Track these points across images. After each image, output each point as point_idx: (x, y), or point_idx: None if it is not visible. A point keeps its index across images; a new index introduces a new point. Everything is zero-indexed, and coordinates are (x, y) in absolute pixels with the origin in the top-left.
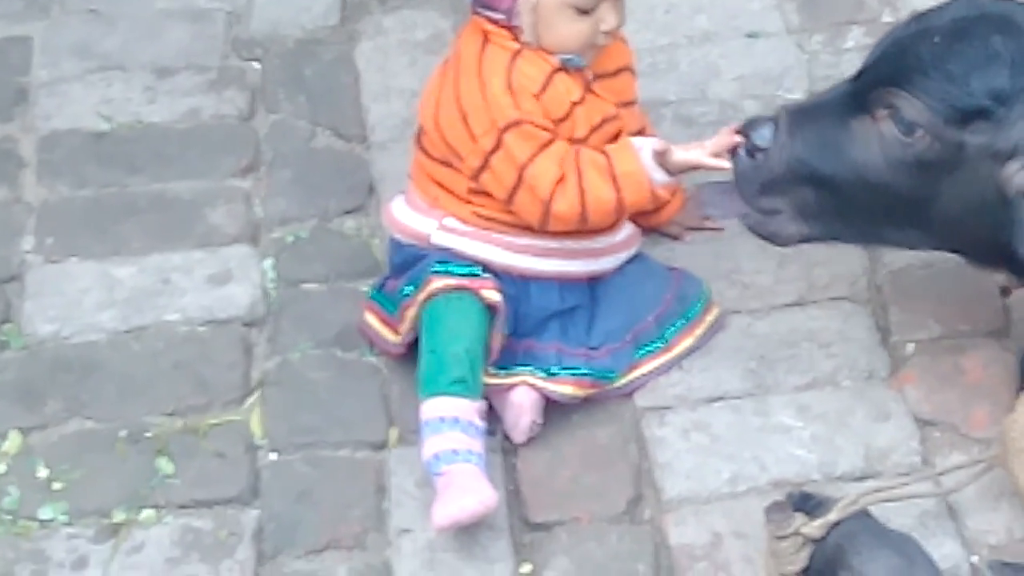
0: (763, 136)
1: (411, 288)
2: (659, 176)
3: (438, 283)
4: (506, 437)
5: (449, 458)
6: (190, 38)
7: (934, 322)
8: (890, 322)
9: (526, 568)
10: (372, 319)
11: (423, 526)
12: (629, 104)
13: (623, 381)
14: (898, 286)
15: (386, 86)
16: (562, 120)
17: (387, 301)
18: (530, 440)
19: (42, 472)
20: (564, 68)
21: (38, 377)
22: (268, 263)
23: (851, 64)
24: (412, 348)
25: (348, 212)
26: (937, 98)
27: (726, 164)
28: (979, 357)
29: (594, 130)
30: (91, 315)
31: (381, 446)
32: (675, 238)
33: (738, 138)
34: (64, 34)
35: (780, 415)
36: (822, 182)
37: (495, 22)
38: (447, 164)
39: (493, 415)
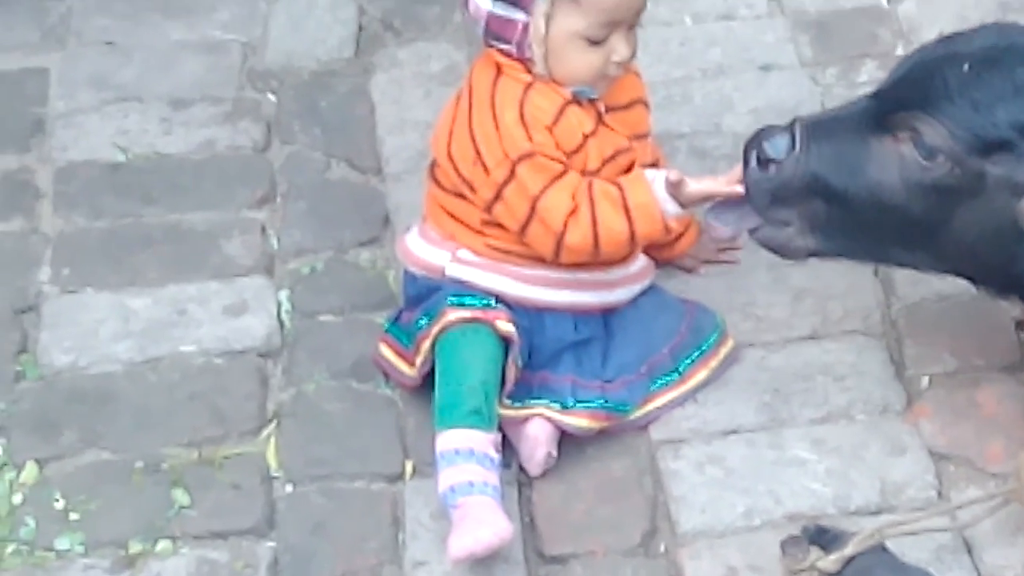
0: (777, 147)
1: (426, 320)
2: (672, 208)
3: (453, 315)
4: (521, 469)
5: (465, 490)
6: (205, 70)
7: (949, 356)
8: (905, 356)
9: None
10: (387, 351)
11: (439, 558)
12: (642, 137)
13: (638, 414)
14: (912, 320)
15: (401, 118)
16: (574, 152)
17: (402, 333)
18: (545, 472)
19: (59, 503)
20: (576, 100)
21: (54, 408)
22: (283, 294)
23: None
24: (427, 380)
25: (363, 244)
26: (961, 126)
27: (740, 190)
28: (994, 391)
29: (606, 162)
30: (107, 346)
31: (397, 478)
32: (689, 270)
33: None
34: (81, 66)
35: (795, 448)
36: (836, 198)
37: (507, 54)
38: (460, 196)
39: (508, 447)
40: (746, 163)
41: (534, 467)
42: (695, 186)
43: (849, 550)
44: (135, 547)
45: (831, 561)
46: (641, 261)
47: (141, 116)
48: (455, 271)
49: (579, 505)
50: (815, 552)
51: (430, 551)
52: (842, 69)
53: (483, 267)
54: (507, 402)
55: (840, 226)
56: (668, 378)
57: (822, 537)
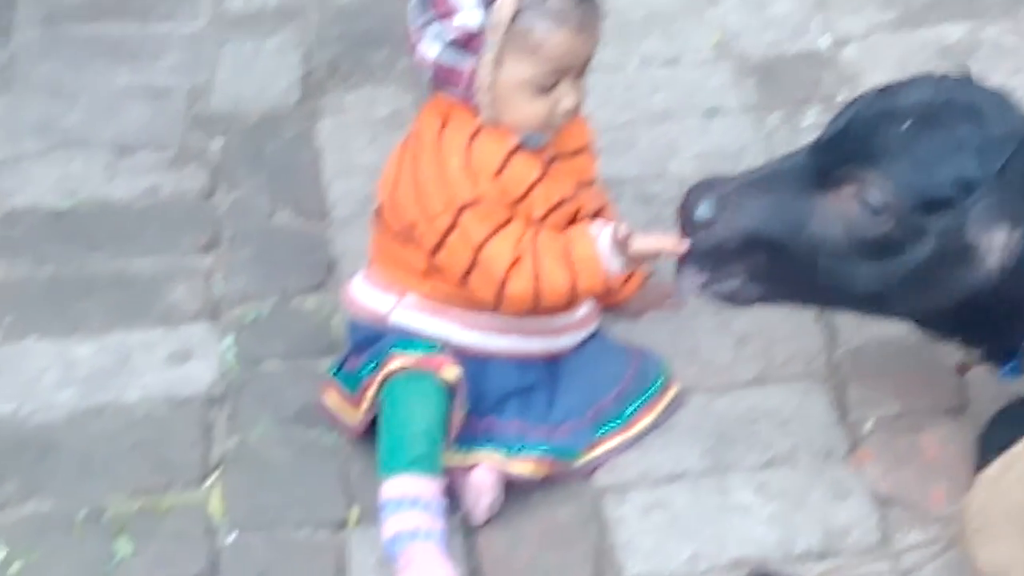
0: (702, 212)
1: (371, 367)
2: (616, 264)
3: (398, 362)
4: (466, 516)
5: (410, 537)
6: (151, 115)
7: (892, 400)
8: (848, 400)
9: None
10: (332, 398)
11: None
12: (588, 184)
13: (583, 460)
14: (855, 364)
15: (347, 163)
16: (520, 200)
17: (347, 379)
18: (490, 519)
19: (1, 553)
20: (523, 148)
21: None
22: (228, 341)
23: (809, 141)
24: (373, 427)
25: (308, 290)
26: (905, 184)
27: (684, 248)
28: (937, 435)
29: (552, 210)
30: (50, 394)
31: (342, 526)
32: (634, 316)
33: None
34: (25, 111)
35: (739, 493)
36: (777, 253)
37: (454, 101)
38: (406, 242)
39: (453, 494)
40: (680, 227)
41: (479, 514)
42: (642, 242)
43: None
44: None
45: None
46: (586, 308)
47: (86, 162)
48: (400, 317)
49: (524, 552)
50: None
51: None
52: (786, 114)
53: (429, 313)
54: (452, 448)
55: (784, 277)
56: (613, 424)
57: None
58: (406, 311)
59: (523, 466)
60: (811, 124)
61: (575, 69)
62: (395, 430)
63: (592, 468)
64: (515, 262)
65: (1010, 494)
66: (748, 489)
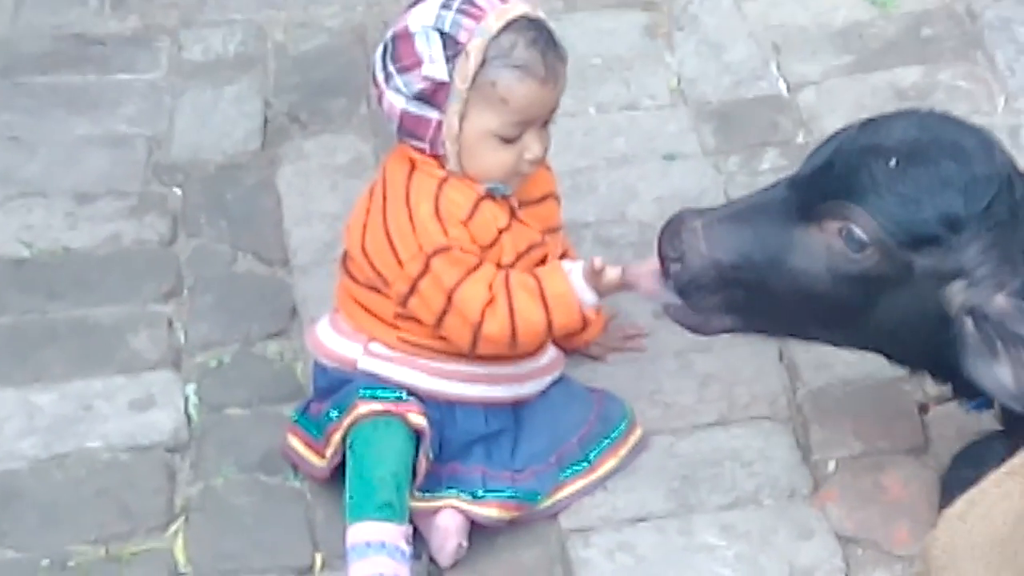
0: (675, 246)
1: (337, 412)
2: (589, 298)
3: (364, 408)
4: (432, 560)
5: None
6: (111, 164)
7: (854, 440)
8: (811, 440)
9: None
10: (296, 443)
11: None
12: (555, 230)
13: (548, 503)
14: (818, 405)
15: (307, 210)
16: (489, 247)
17: (311, 424)
18: (456, 563)
19: None
20: (491, 196)
21: None
22: (191, 388)
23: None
24: (337, 472)
25: (271, 336)
26: (892, 220)
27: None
28: (899, 474)
29: (520, 256)
30: (12, 443)
31: (306, 571)
32: (596, 358)
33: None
34: None
35: (704, 535)
36: (755, 286)
37: (420, 150)
38: (374, 289)
39: (419, 538)
40: (658, 257)
41: (445, 558)
42: (616, 272)
43: None
44: None
45: None
46: (551, 353)
47: (46, 211)
48: (368, 364)
49: None
50: None
51: None
52: (744, 158)
53: (396, 361)
54: (417, 494)
55: (761, 309)
56: (577, 467)
57: None
58: (373, 359)
59: (487, 510)
60: (769, 168)
61: (541, 119)
62: (362, 476)
63: (557, 511)
64: (490, 302)
65: (975, 532)
66: (713, 530)
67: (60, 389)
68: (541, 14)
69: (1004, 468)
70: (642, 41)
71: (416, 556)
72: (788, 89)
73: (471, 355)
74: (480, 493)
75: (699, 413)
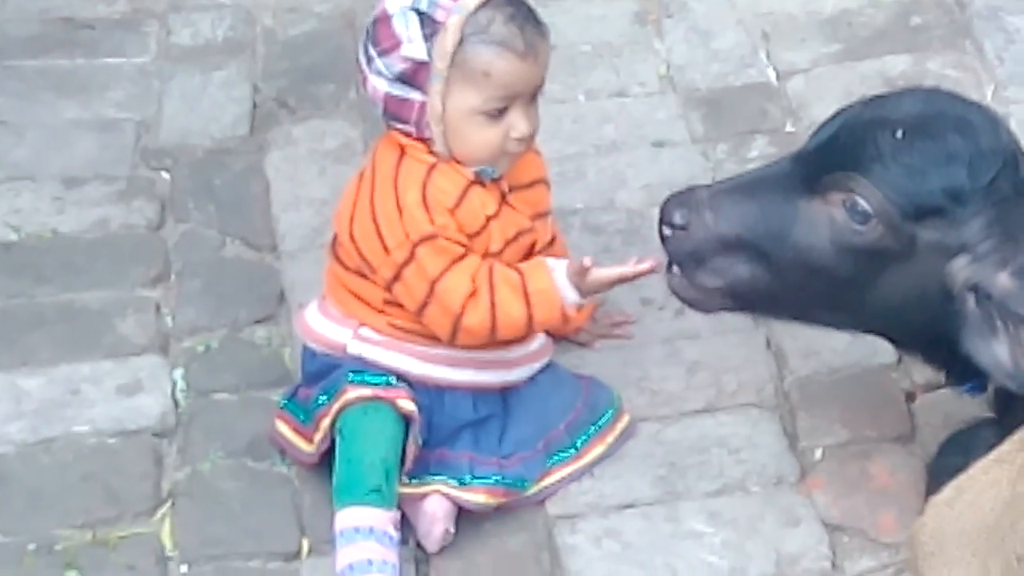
0: (679, 214)
1: (326, 397)
2: (571, 296)
3: (353, 393)
4: (419, 546)
5: (363, 568)
6: (99, 148)
7: (841, 428)
8: (798, 428)
9: None
10: (284, 428)
11: None
12: (544, 216)
13: (535, 489)
14: (805, 392)
15: (296, 195)
16: (477, 234)
17: (300, 410)
18: (443, 549)
19: None
20: (480, 181)
21: None
22: (178, 373)
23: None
24: (324, 457)
25: (258, 321)
26: (896, 191)
27: (646, 267)
28: (886, 462)
29: (509, 243)
30: None
31: (293, 557)
32: (584, 345)
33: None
34: None
35: (691, 521)
36: (758, 259)
37: (408, 134)
38: (362, 275)
39: (406, 524)
40: (660, 230)
41: (432, 543)
42: (601, 272)
43: None
44: None
45: None
46: (540, 340)
47: (34, 195)
48: (357, 349)
49: None
50: None
51: None
52: (733, 145)
53: (385, 345)
54: (405, 479)
55: (762, 287)
56: (565, 454)
57: None
58: (363, 343)
59: (475, 496)
60: (757, 155)
61: (525, 95)
62: (351, 461)
63: (544, 497)
64: (472, 294)
65: (963, 519)
66: (700, 517)
67: (47, 373)
68: None
69: (992, 455)
70: (631, 28)
71: (403, 541)
72: (777, 77)
73: (450, 345)
74: (468, 479)
75: (686, 400)
